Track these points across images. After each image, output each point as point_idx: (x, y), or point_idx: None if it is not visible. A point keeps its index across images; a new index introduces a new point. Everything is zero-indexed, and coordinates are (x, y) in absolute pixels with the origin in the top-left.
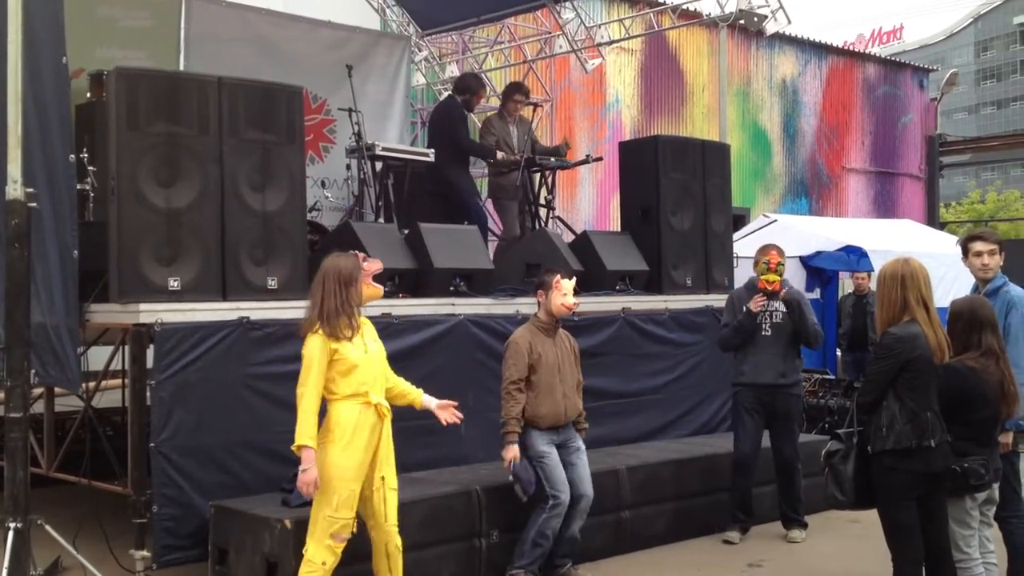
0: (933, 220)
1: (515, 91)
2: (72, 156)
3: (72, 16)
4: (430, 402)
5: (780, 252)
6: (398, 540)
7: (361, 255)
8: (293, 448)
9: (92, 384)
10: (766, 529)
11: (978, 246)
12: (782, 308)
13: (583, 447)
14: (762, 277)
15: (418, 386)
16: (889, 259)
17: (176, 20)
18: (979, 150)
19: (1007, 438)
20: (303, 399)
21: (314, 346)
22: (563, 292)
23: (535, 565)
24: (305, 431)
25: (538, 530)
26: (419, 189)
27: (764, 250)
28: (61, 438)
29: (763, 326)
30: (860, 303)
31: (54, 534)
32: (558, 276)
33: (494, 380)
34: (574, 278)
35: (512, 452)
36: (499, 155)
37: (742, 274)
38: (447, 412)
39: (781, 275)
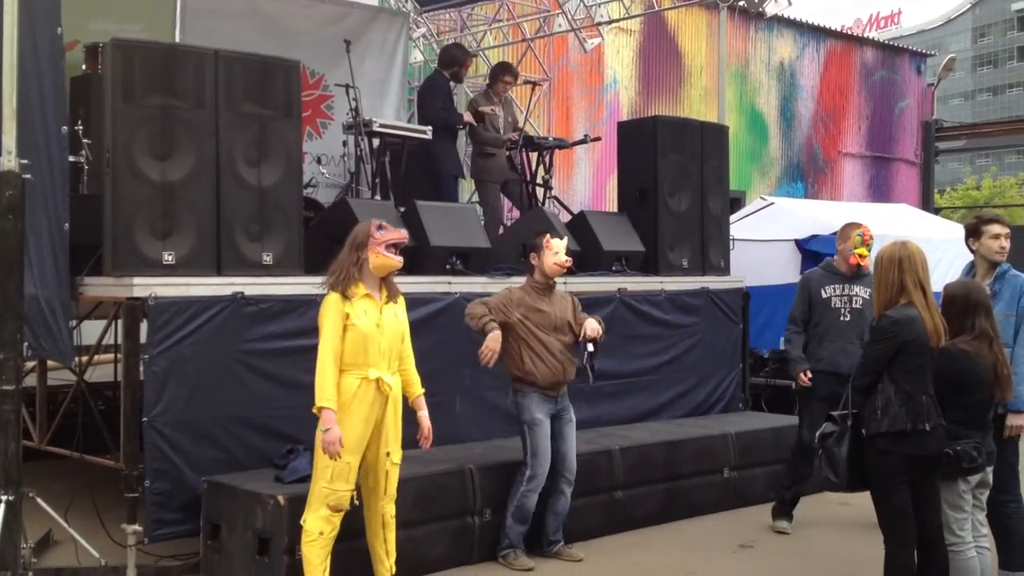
0: (928, 205)
1: (505, 72)
2: (64, 128)
3: None
4: (420, 407)
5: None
6: (393, 510)
7: (377, 223)
8: (314, 411)
9: (85, 358)
10: (757, 511)
11: (996, 228)
12: (863, 293)
13: (574, 419)
14: (856, 251)
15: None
16: (886, 243)
17: None
18: (974, 136)
19: (1020, 419)
20: (318, 360)
21: (326, 306)
22: (554, 251)
23: (521, 542)
24: (322, 392)
25: (517, 506)
26: (416, 166)
27: (854, 225)
28: (53, 411)
29: (842, 311)
30: None
31: (46, 507)
32: (547, 235)
33: None
34: (565, 238)
35: (492, 340)
36: (466, 116)
37: (738, 256)
38: (423, 436)
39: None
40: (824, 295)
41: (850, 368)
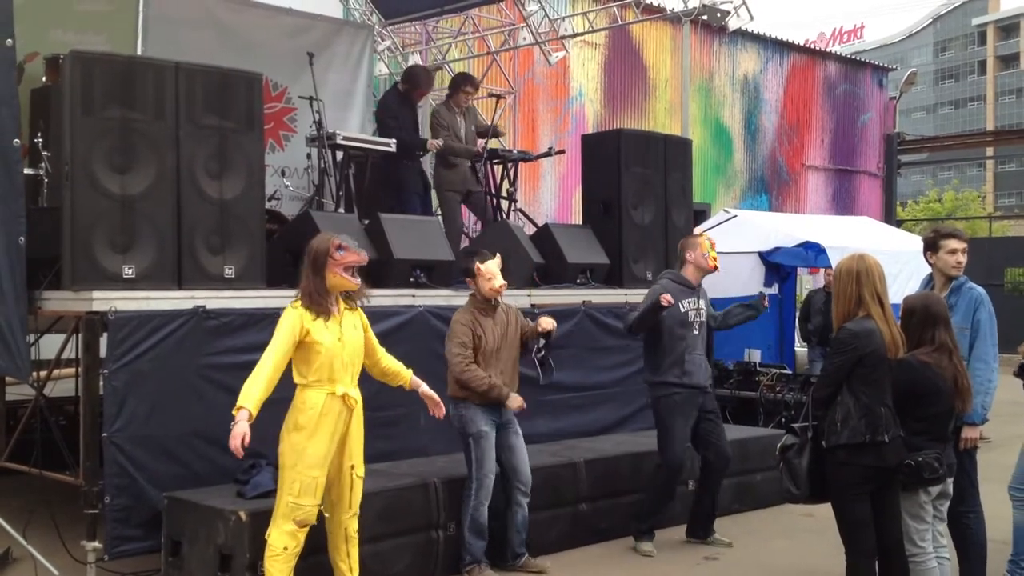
0: (890, 218)
1: (466, 82)
2: (17, 140)
3: None
4: (419, 383)
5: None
6: (356, 524)
7: (337, 241)
8: (233, 411)
9: (44, 373)
10: (721, 523)
11: (954, 243)
12: (705, 306)
13: (520, 431)
14: (710, 255)
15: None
16: (846, 255)
17: (134, 3)
18: (936, 149)
19: (974, 432)
20: (259, 362)
21: (284, 317)
22: (487, 277)
23: (483, 556)
24: (248, 395)
25: (471, 520)
26: (380, 179)
27: (693, 235)
28: (12, 427)
29: (694, 325)
30: (830, 300)
31: (4, 524)
32: (476, 263)
33: None
34: (497, 256)
35: (516, 401)
36: (431, 144)
37: None
38: (433, 405)
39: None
40: (682, 310)
41: (702, 380)
